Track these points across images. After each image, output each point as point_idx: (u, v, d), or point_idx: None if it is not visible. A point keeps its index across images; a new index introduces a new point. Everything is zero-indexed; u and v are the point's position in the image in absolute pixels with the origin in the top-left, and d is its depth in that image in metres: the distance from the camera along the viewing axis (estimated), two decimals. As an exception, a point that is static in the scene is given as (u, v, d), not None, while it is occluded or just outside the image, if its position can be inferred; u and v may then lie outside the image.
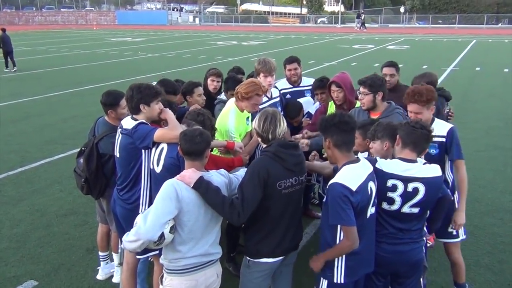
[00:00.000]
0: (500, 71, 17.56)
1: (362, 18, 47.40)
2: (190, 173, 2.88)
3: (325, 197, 3.02)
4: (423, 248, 3.24)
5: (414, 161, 3.03)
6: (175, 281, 2.98)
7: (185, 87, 4.86)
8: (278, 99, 4.98)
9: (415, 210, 3.02)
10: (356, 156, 3.05)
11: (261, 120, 3.16)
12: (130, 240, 2.81)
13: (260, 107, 4.57)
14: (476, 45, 29.32)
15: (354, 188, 2.79)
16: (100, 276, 4.55)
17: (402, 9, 57.08)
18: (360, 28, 46.15)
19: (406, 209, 3.01)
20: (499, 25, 51.72)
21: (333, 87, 4.57)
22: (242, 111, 4.20)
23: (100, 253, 4.59)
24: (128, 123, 3.51)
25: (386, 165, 3.05)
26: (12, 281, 4.48)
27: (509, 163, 7.65)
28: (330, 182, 2.89)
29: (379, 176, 3.02)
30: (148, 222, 2.76)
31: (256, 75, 4.81)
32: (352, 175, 2.86)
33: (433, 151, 3.63)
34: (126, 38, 36.32)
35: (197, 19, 63.25)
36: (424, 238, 3.29)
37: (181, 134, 3.00)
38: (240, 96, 4.07)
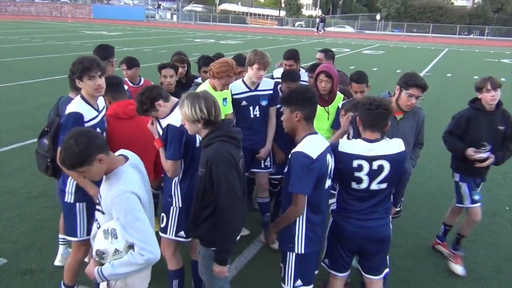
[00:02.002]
0: (470, 78, 18.03)
1: (317, 21, 48.22)
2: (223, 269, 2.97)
3: (286, 167, 3.14)
4: (390, 225, 3.36)
5: (378, 140, 3.13)
6: (135, 278, 2.67)
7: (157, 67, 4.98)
8: (265, 92, 4.58)
9: (383, 185, 3.13)
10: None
11: (200, 103, 2.87)
12: (135, 269, 2.46)
13: (240, 96, 4.50)
14: (448, 53, 30.10)
15: (314, 156, 2.93)
16: (58, 262, 4.34)
17: (378, 17, 58.18)
18: (318, 31, 46.83)
19: (374, 186, 3.12)
20: (471, 35, 53.24)
21: (322, 77, 4.39)
22: (215, 89, 4.24)
23: (60, 236, 4.37)
24: (72, 102, 3.39)
25: (350, 146, 3.14)
26: (-20, 258, 4.41)
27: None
28: (293, 150, 3.01)
29: (344, 157, 3.12)
30: (150, 242, 2.46)
31: (248, 65, 4.51)
32: (313, 144, 3.00)
33: None
34: (102, 32, 35.78)
35: (174, 17, 62.85)
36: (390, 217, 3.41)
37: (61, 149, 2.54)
38: (212, 74, 4.12)
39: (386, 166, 3.09)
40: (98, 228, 2.64)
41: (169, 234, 3.50)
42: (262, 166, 4.74)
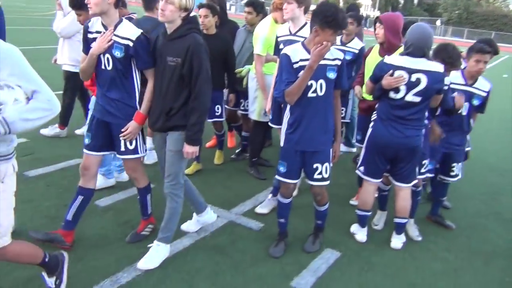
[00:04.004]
0: (528, 80, 17.72)
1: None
2: (196, 149, 3.15)
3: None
4: (422, 137, 3.65)
5: (421, 57, 3.44)
6: (10, 168, 2.42)
7: None
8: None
9: (417, 99, 3.45)
10: None
11: None
12: (42, 116, 2.29)
13: (281, 39, 4.10)
14: (507, 60, 29.22)
15: None
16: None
17: (438, 22, 56.81)
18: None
19: (410, 97, 3.45)
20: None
21: (377, 24, 4.27)
22: (276, 22, 4.64)
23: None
24: None
25: (395, 59, 3.51)
26: None
27: None
28: (336, 56, 3.27)
29: (387, 68, 3.49)
30: (52, 93, 2.35)
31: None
32: None
33: None
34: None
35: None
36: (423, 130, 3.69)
37: None
38: (275, 6, 4.58)
39: (424, 80, 3.41)
40: None
41: (142, 152, 3.44)
42: None
